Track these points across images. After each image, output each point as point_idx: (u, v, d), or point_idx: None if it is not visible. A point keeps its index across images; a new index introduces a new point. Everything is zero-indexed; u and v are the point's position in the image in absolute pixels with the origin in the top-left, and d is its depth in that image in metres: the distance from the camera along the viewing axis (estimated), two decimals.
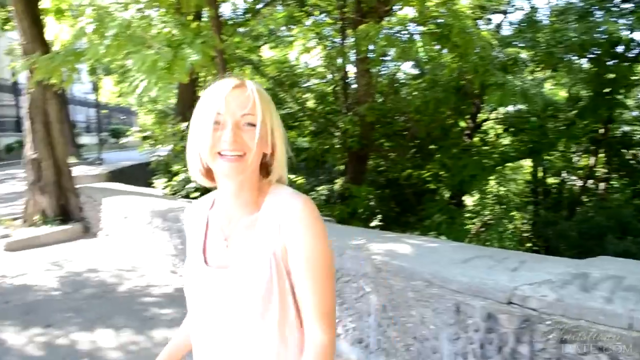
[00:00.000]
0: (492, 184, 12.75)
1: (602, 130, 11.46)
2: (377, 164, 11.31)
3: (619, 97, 9.72)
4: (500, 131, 12.67)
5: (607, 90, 9.49)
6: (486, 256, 3.22)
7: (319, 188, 11.08)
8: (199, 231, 1.34)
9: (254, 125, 1.18)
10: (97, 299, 5.20)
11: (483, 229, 11.82)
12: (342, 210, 8.88)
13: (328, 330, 1.23)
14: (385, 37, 6.38)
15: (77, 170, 9.29)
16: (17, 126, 24.00)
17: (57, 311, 4.91)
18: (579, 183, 13.65)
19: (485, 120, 12.95)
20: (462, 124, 12.02)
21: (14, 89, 24.48)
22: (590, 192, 12.87)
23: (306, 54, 13.46)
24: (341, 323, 3.68)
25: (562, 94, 14.64)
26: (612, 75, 9.00)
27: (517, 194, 13.91)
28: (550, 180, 14.33)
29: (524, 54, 7.90)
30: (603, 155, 12.34)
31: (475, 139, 12.15)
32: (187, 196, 7.75)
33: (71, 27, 6.37)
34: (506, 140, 13.20)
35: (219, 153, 1.18)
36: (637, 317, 2.23)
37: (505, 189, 13.24)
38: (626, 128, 12.40)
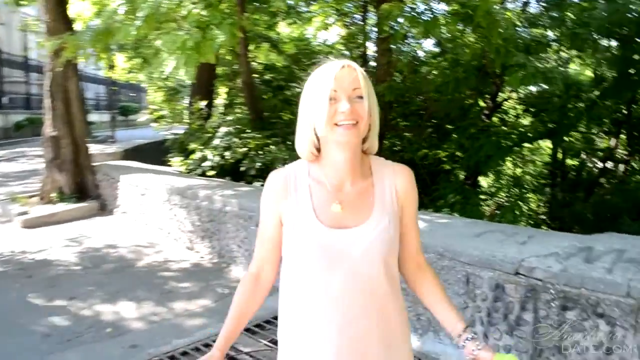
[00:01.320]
0: (509, 165, 12.87)
1: (625, 112, 11.53)
2: (392, 144, 11.49)
3: None
4: (520, 111, 12.76)
5: (631, 71, 9.55)
6: (497, 231, 3.48)
7: None
8: (302, 196, 1.52)
9: (362, 97, 1.45)
10: (117, 274, 5.52)
11: (498, 211, 11.99)
12: None
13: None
14: (408, 17, 6.55)
15: (91, 149, 9.61)
16: (27, 103, 24.29)
17: (80, 285, 5.20)
18: (599, 165, 13.75)
19: (505, 100, 13.05)
20: (481, 103, 12.12)
21: (25, 66, 24.75)
22: (609, 174, 12.99)
23: (324, 31, 13.63)
24: None
25: (589, 73, 14.66)
26: (637, 57, 9.07)
27: (534, 176, 14.02)
28: (569, 161, 14.42)
29: (550, 34, 8.02)
30: (624, 137, 12.39)
31: (494, 119, 12.26)
32: (203, 174, 8.07)
33: (94, 5, 6.62)
34: (526, 121, 13.29)
35: (336, 124, 1.44)
36: (634, 285, 2.48)
37: (521, 170, 13.35)
38: None
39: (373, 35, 10.84)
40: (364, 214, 1.50)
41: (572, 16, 8.66)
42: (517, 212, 10.33)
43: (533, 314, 2.84)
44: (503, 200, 12.60)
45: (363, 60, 11.85)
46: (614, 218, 8.20)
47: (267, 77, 12.28)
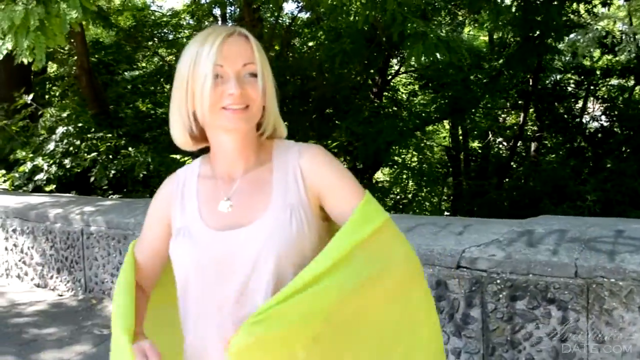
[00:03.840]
0: (404, 152, 13.51)
1: (531, 82, 12.77)
2: None
3: (549, 41, 10.90)
4: (416, 87, 13.62)
5: (536, 34, 10.65)
6: (429, 223, 3.96)
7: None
8: (188, 198, 1.57)
9: (255, 75, 1.44)
10: None
11: (394, 212, 12.67)
12: None
13: None
14: None
15: None
16: None
17: None
18: (504, 145, 15.10)
19: (396, 75, 13.88)
20: (369, 81, 12.76)
21: None
22: (520, 155, 14.30)
23: None
24: None
25: (483, 38, 15.96)
26: (540, 17, 10.14)
27: (433, 164, 14.87)
28: (474, 144, 15.63)
29: None
30: (532, 110, 13.72)
31: (384, 99, 12.96)
32: (38, 190, 7.89)
33: None
34: (419, 98, 14.13)
35: (223, 107, 1.43)
36: (581, 264, 3.05)
37: (420, 157, 14.02)
38: (558, 77, 13.86)
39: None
40: (259, 208, 1.49)
41: None
42: (421, 208, 11.11)
43: (480, 308, 3.33)
44: (401, 196, 13.44)
45: None
46: (534, 204, 9.18)
47: (94, 58, 12.11)
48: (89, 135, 8.15)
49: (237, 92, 1.40)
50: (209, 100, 1.41)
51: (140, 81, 12.42)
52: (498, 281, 3.24)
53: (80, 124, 8.31)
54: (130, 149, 7.89)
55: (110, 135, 8.17)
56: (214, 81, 1.40)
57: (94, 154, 7.90)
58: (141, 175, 7.66)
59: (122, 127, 8.76)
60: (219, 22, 12.10)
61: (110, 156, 7.97)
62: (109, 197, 7.82)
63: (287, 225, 1.44)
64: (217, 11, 11.74)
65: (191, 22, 13.72)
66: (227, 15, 11.81)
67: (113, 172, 7.76)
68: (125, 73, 12.70)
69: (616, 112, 12.75)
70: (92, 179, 7.90)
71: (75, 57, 9.48)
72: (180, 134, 1.54)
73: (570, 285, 3.06)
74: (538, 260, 3.16)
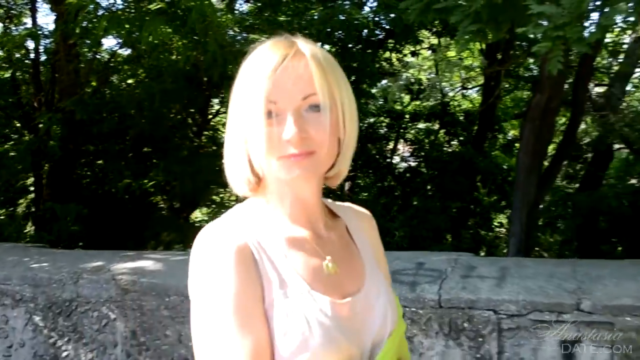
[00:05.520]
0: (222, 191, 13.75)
1: None
2: (83, 175, 11.40)
3: (364, 86, 11.56)
4: None
5: (352, 79, 11.24)
6: None
7: None
8: (275, 261, 1.17)
9: (319, 108, 1.12)
10: None
11: None
12: (41, 238, 8.66)
13: None
14: (107, 16, 6.74)
15: None
16: None
17: None
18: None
19: (216, 115, 14.00)
20: (189, 120, 12.78)
21: None
22: (335, 193, 14.85)
23: None
24: None
25: None
26: (356, 64, 10.76)
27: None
28: None
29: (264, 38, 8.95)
30: None
31: (203, 138, 13.02)
32: None
33: None
34: None
35: (281, 156, 1.13)
36: None
37: (237, 196, 14.25)
38: (371, 120, 14.66)
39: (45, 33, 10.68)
40: (358, 272, 1.27)
41: (286, 19, 9.88)
42: None
43: None
44: None
45: (34, 66, 11.54)
46: None
47: None
48: None
49: (296, 138, 1.10)
50: (262, 145, 1.12)
51: None
52: None
53: None
54: None
55: None
56: (267, 121, 1.11)
57: None
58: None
59: None
60: (32, 55, 11.51)
61: None
62: None
63: (390, 292, 1.27)
64: (30, 44, 11.16)
65: (0, 53, 13.05)
66: (41, 48, 11.29)
67: None
68: None
69: (423, 154, 13.65)
70: None
71: None
72: (237, 181, 1.23)
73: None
74: None
